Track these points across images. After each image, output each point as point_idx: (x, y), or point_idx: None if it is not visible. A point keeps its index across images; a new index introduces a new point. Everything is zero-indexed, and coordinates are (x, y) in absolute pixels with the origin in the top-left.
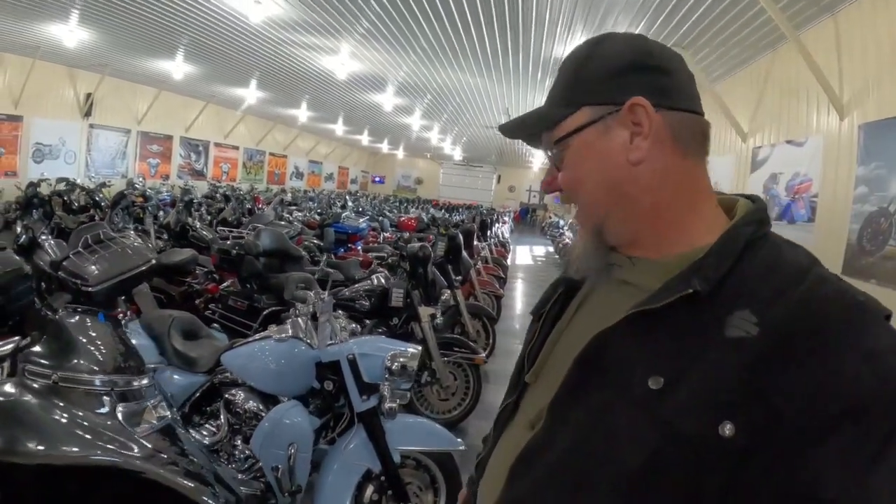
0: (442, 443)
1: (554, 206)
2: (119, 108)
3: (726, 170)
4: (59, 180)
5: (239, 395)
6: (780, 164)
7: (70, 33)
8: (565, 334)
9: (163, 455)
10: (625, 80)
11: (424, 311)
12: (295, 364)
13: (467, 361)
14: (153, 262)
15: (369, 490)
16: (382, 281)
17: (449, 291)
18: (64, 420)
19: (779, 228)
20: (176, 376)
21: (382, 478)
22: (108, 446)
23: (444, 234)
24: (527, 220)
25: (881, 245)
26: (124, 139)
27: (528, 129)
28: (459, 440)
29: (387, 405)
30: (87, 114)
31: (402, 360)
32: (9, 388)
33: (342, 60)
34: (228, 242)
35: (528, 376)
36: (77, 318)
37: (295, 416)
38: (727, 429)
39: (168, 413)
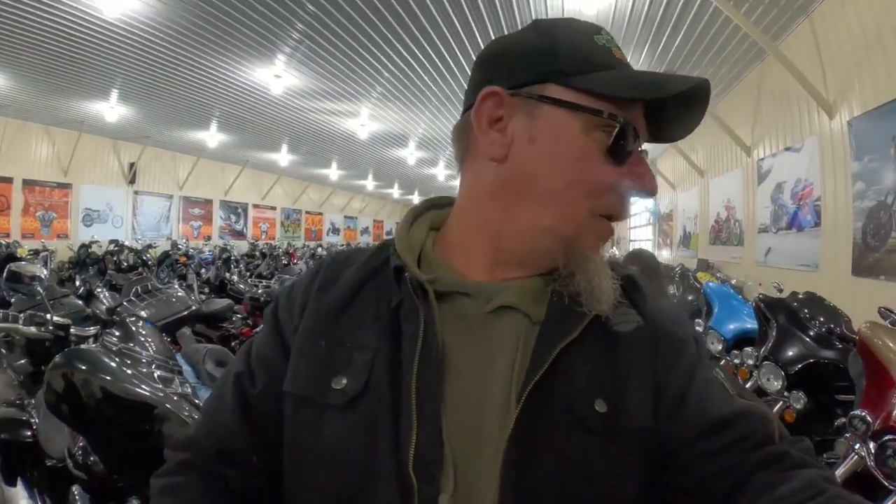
0: None
1: None
2: (161, 175)
3: (736, 185)
4: (111, 242)
5: None
6: (783, 173)
7: (111, 109)
8: (452, 411)
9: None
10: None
11: None
12: None
13: None
14: (194, 308)
15: None
16: None
17: None
18: (124, 368)
19: (790, 238)
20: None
21: None
22: (153, 388)
23: None
24: None
25: (884, 239)
26: (167, 204)
27: (687, 116)
28: None
29: None
30: (132, 181)
31: None
32: (96, 347)
33: (362, 122)
34: (259, 291)
35: (446, 497)
36: (135, 318)
37: None
38: (658, 404)
39: (189, 390)
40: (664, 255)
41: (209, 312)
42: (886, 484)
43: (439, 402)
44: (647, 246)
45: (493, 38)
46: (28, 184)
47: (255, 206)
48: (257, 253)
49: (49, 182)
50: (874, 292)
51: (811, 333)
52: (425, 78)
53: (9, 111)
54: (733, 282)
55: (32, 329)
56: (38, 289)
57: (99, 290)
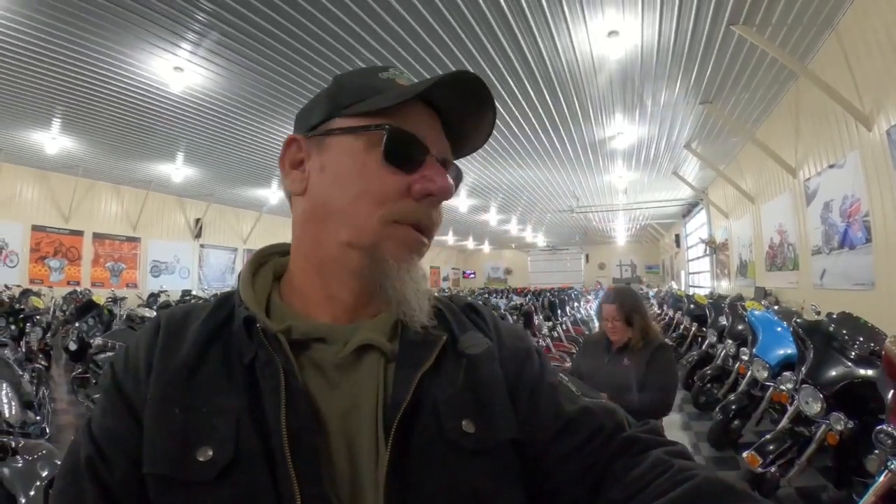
0: None
1: (647, 277)
2: (225, 229)
3: (785, 208)
4: (184, 292)
5: None
6: (830, 191)
7: (177, 170)
8: (328, 464)
9: None
10: None
11: None
12: None
13: None
14: None
15: None
16: None
17: None
18: None
19: (843, 257)
20: None
21: None
22: None
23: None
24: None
25: None
26: (232, 256)
27: (473, 115)
28: None
29: None
30: (198, 235)
31: None
32: None
33: None
34: None
35: None
36: None
37: None
38: (517, 410)
39: None
40: (723, 286)
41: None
42: None
43: (317, 459)
44: (705, 278)
45: (522, 73)
46: (98, 237)
47: None
48: None
49: (119, 236)
50: None
51: (849, 354)
52: None
53: (79, 171)
54: (776, 307)
55: None
56: None
57: None
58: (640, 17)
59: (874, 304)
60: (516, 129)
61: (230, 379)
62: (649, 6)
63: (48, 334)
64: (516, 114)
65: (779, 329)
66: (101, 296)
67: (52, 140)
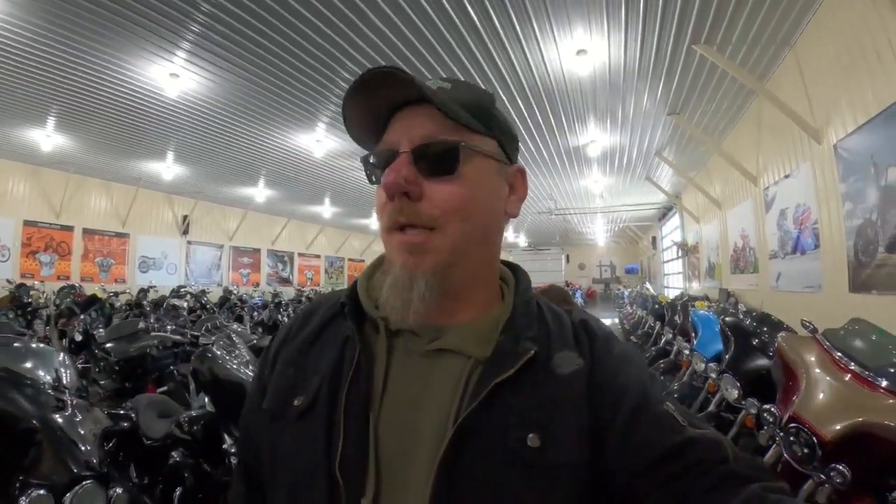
0: None
1: (626, 278)
2: (212, 226)
3: (748, 215)
4: (179, 287)
5: None
6: (785, 200)
7: (167, 168)
8: (385, 429)
9: None
10: (515, 145)
11: None
12: None
13: None
14: (255, 341)
15: None
16: None
17: None
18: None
19: (795, 262)
20: None
21: None
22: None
23: None
24: (608, 295)
25: (873, 255)
26: (218, 253)
27: (406, 90)
28: None
29: None
30: (185, 232)
31: None
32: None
33: None
34: None
35: (367, 501)
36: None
37: None
38: (585, 446)
39: None
40: (694, 287)
41: (262, 346)
42: (799, 468)
43: (365, 418)
44: (678, 279)
45: (497, 87)
46: (88, 233)
47: (301, 254)
48: (303, 298)
49: (108, 231)
50: (869, 307)
51: (765, 348)
52: None
53: (71, 168)
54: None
55: (178, 337)
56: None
57: (170, 327)
58: (607, 37)
59: (821, 305)
60: None
61: (331, 350)
62: (615, 27)
63: (47, 327)
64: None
65: (715, 328)
66: (97, 291)
67: (47, 138)
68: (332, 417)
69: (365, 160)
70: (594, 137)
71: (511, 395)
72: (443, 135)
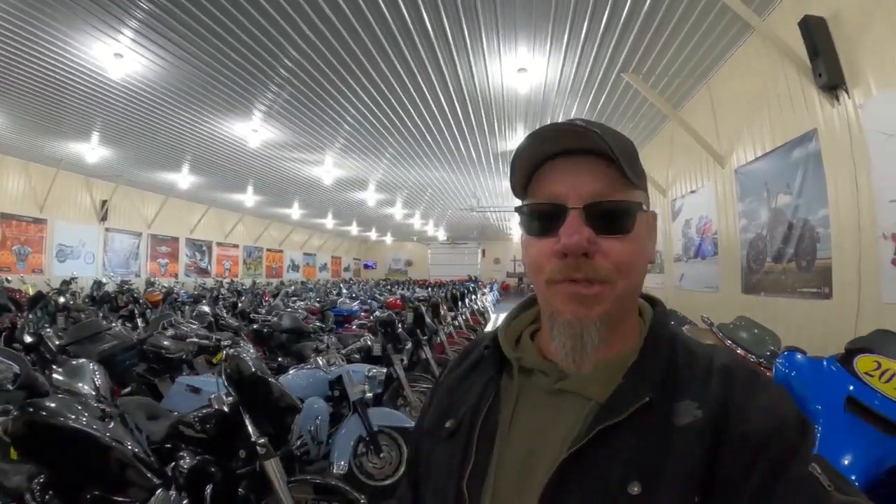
0: (400, 421)
1: None
2: (131, 212)
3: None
4: (123, 282)
5: None
6: (690, 211)
7: (91, 150)
8: (508, 456)
9: None
10: (647, 186)
11: (396, 357)
12: (316, 379)
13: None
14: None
15: (360, 446)
16: (369, 342)
17: (422, 347)
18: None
19: (697, 265)
20: None
21: (368, 439)
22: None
23: (410, 307)
24: (523, 288)
25: (762, 263)
26: (136, 241)
27: (576, 142)
28: (412, 421)
29: (366, 396)
30: (104, 218)
31: (373, 371)
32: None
33: (327, 169)
34: (256, 326)
35: None
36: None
37: (317, 403)
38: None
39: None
40: None
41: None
42: None
43: (492, 446)
44: None
45: (440, 92)
46: (5, 218)
47: (219, 244)
48: (226, 290)
49: (25, 217)
50: (757, 306)
51: None
52: (387, 127)
53: None
54: None
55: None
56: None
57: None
58: (548, 57)
59: (718, 303)
60: (427, 134)
61: (476, 385)
62: (556, 49)
63: None
64: (428, 120)
65: None
66: (30, 286)
67: None
68: (468, 442)
69: (521, 210)
70: None
71: (620, 441)
72: (615, 192)
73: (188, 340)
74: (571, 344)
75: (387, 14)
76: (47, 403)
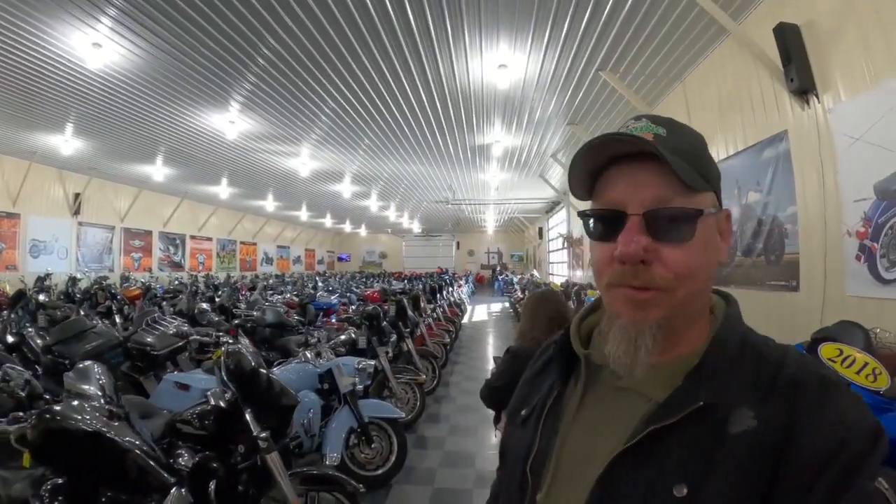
0: (389, 412)
1: (513, 264)
2: (104, 205)
3: None
4: (101, 278)
5: None
6: None
7: (66, 142)
8: (568, 445)
9: None
10: (720, 184)
11: (381, 350)
12: (306, 373)
13: (413, 381)
14: (195, 336)
15: (352, 438)
16: (353, 335)
17: (405, 339)
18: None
19: None
20: None
21: (359, 430)
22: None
23: (393, 300)
24: (496, 281)
25: (732, 257)
26: (109, 235)
27: (633, 146)
28: (401, 412)
29: (357, 388)
30: (77, 212)
31: (363, 364)
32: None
33: (303, 161)
34: (238, 321)
35: (541, 496)
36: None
37: (309, 396)
38: None
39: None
40: (578, 276)
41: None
42: None
43: (555, 434)
44: (563, 268)
45: (420, 87)
46: None
47: (193, 237)
48: (200, 286)
49: None
50: None
51: None
52: (364, 120)
53: None
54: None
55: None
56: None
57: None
58: (528, 53)
59: None
60: (404, 127)
61: (549, 378)
62: (536, 45)
63: None
64: (406, 113)
65: None
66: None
67: None
68: (536, 429)
69: (584, 214)
70: (499, 138)
71: (671, 443)
72: (676, 198)
73: (192, 338)
74: (625, 347)
75: (369, 5)
76: (63, 409)
